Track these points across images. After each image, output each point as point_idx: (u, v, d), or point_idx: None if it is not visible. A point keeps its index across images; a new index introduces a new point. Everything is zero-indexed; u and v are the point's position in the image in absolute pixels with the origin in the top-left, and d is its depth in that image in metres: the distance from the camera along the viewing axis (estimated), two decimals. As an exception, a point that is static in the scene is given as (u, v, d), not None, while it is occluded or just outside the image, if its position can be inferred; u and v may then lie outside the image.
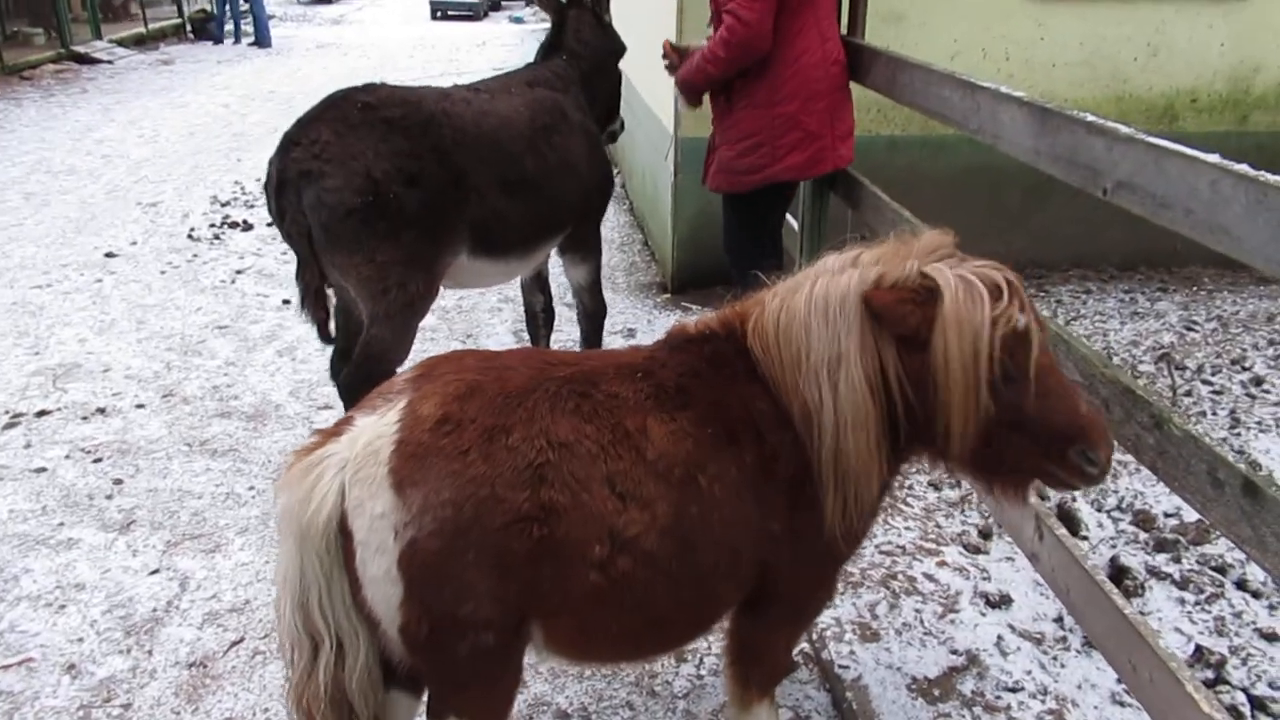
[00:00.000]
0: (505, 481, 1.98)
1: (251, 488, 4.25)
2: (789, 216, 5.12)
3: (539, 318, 4.95)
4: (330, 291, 3.85)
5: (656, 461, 2.11)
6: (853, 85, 4.28)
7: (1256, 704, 3.03)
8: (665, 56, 4.71)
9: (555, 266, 4.81)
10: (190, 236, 7.60)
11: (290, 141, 3.61)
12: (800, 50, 4.02)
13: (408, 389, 2.14)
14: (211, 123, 11.94)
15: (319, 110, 3.70)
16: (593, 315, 4.79)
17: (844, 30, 4.40)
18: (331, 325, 3.97)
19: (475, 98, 4.04)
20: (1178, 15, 6.21)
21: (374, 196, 3.53)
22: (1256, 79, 6.42)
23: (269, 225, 7.19)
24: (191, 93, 14.01)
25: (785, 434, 2.23)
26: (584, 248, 4.55)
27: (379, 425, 2.05)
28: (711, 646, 3.29)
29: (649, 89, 7.02)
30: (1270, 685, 3.11)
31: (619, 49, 4.82)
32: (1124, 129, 2.38)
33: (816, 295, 2.18)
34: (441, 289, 4.01)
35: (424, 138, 3.67)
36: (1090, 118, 2.52)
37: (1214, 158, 2.04)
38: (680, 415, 2.17)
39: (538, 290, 4.89)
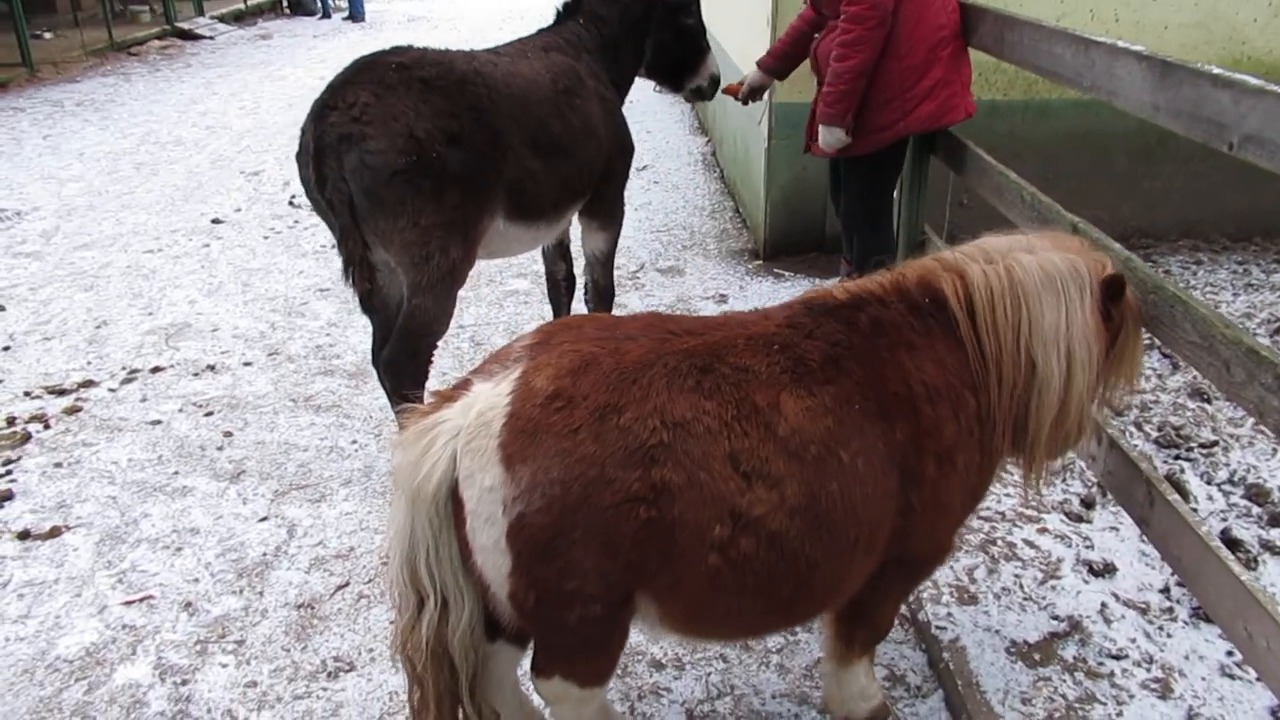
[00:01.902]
0: (615, 461, 1.96)
1: (354, 442, 4.38)
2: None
3: (560, 286, 4.91)
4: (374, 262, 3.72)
5: (789, 438, 2.06)
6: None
7: (1377, 682, 2.91)
8: (732, 93, 4.84)
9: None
10: (291, 204, 7.81)
11: (325, 106, 3.52)
12: (921, 3, 4.08)
13: (524, 357, 2.14)
14: (309, 95, 12.05)
15: (351, 74, 3.61)
16: (603, 292, 4.74)
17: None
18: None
19: (499, 60, 3.99)
20: (1302, -28, 5.91)
21: (417, 156, 3.46)
22: (1388, 40, 6.07)
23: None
24: (289, 66, 14.34)
25: (948, 404, 2.25)
26: (605, 215, 4.49)
27: (493, 395, 2.06)
28: (805, 606, 3.29)
29: (740, 51, 6.96)
30: (1392, 664, 2.98)
31: (672, 1, 4.60)
32: (1253, 80, 2.28)
33: (1035, 270, 2.31)
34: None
35: (461, 97, 3.61)
36: (1216, 70, 2.42)
37: (1355, 104, 1.95)
38: (822, 390, 2.14)
39: (559, 258, 4.84)
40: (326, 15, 19.91)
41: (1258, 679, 2.92)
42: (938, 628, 3.10)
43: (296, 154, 3.69)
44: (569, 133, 4.01)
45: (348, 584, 3.46)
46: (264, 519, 3.84)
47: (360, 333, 5.48)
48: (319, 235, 7.00)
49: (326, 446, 4.35)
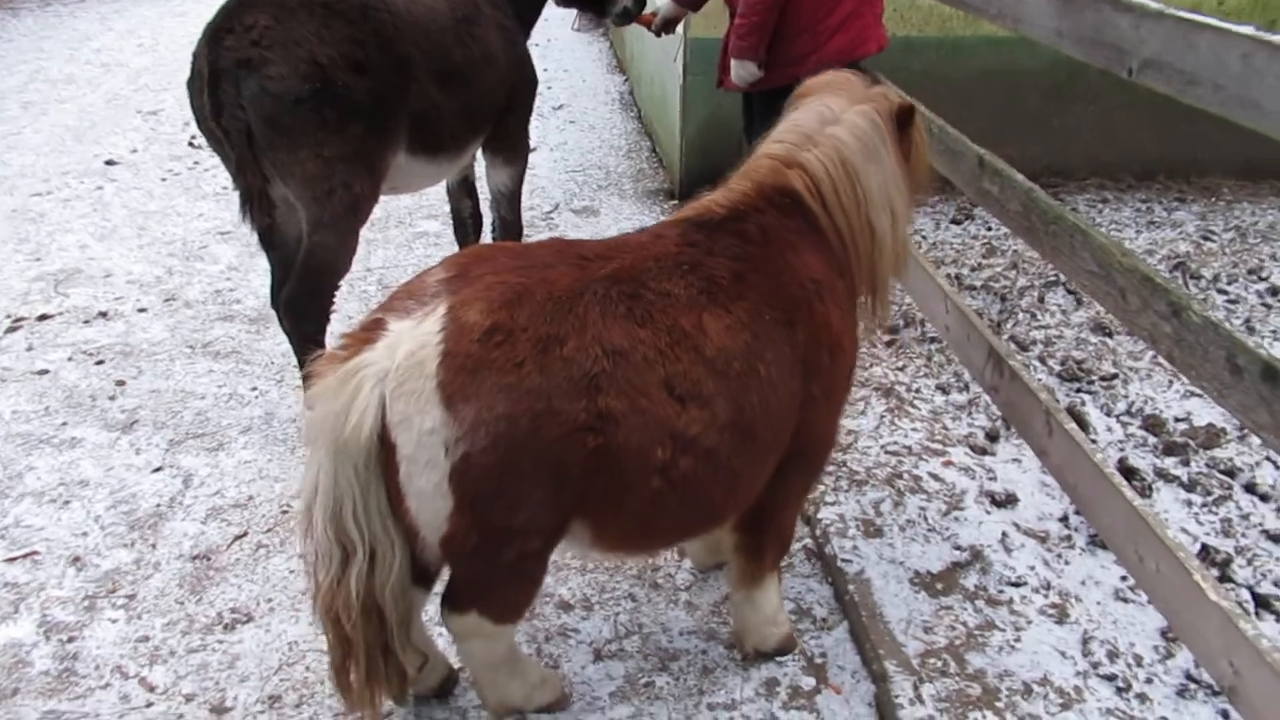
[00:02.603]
0: (561, 393, 1.96)
1: (254, 388, 4.23)
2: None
3: (467, 224, 4.80)
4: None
5: (716, 358, 2.14)
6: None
7: (1260, 602, 3.02)
8: (645, 24, 4.70)
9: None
10: (191, 144, 7.47)
11: (220, 30, 3.30)
12: None
13: (443, 291, 2.06)
14: (211, 31, 11.67)
15: None
16: (510, 229, 4.63)
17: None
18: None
19: None
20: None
21: (321, 84, 3.29)
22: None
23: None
24: (191, 1, 13.69)
25: (830, 294, 2.39)
26: (508, 148, 4.37)
27: (419, 333, 1.97)
28: (715, 544, 3.29)
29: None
30: (1275, 584, 3.10)
31: None
32: (1153, 4, 2.27)
33: (853, 141, 2.43)
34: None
35: (365, 23, 3.45)
36: (1116, -7, 2.40)
37: (1248, 28, 1.95)
38: (736, 307, 2.21)
39: (465, 195, 4.73)
40: None
41: (1149, 602, 3.01)
42: (844, 560, 3.12)
43: (188, 80, 3.47)
44: (469, 62, 3.87)
45: (246, 534, 3.35)
46: (158, 469, 3.69)
47: (263, 276, 5.25)
48: (220, 176, 6.70)
49: (225, 394, 4.19)
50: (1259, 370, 1.96)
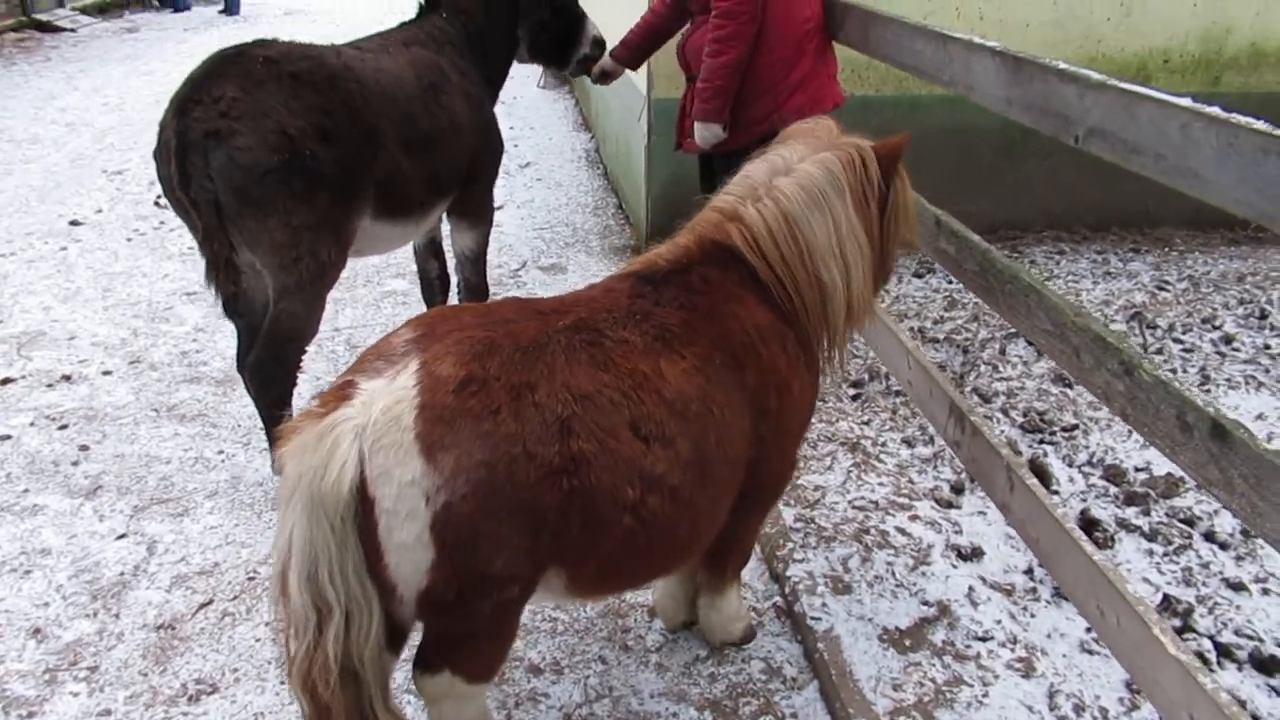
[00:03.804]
0: (535, 437, 2.01)
1: (221, 452, 4.20)
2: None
3: (434, 285, 4.83)
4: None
5: (675, 400, 2.23)
6: (825, 45, 4.30)
7: (1223, 651, 3.06)
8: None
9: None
10: (156, 204, 7.46)
11: (188, 100, 3.32)
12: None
13: (412, 350, 2.08)
14: (178, 90, 11.71)
15: (215, 66, 3.43)
16: (475, 290, 4.66)
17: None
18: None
19: (364, 55, 3.86)
20: (1151, -27, 6.19)
21: (290, 155, 3.32)
22: (1229, 40, 6.41)
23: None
24: (158, 60, 13.74)
25: (777, 341, 2.48)
26: (473, 213, 4.41)
27: (394, 389, 1.99)
28: (685, 603, 3.29)
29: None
30: (1236, 633, 3.14)
31: None
32: (1096, 75, 2.36)
33: (796, 192, 2.50)
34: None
35: (333, 92, 3.49)
36: (1062, 65, 2.50)
37: (1185, 101, 2.04)
38: (689, 352, 2.32)
39: (431, 257, 4.77)
40: (181, 9, 19.01)
41: (1112, 654, 3.04)
42: (813, 619, 3.13)
43: (155, 151, 3.49)
44: (436, 129, 3.92)
45: (211, 601, 3.31)
46: (122, 536, 3.64)
47: (229, 337, 5.25)
48: (185, 237, 6.69)
49: (191, 458, 4.16)
50: (1208, 428, 2.01)
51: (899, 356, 3.66)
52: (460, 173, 4.14)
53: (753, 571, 3.42)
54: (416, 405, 1.97)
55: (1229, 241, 6.69)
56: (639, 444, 2.15)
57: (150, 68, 13.17)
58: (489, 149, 4.32)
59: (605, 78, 5.03)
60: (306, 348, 3.72)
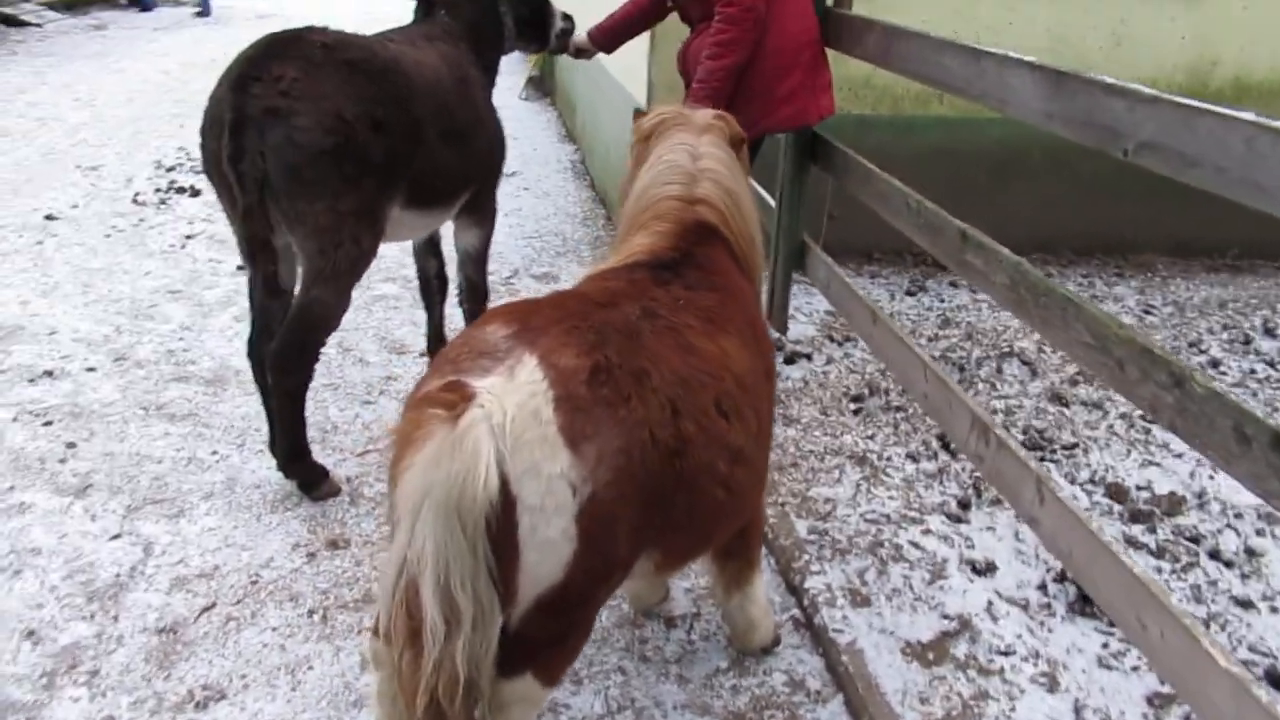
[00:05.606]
0: (656, 421, 2.08)
1: (214, 452, 4.09)
2: (765, 193, 5.11)
3: (433, 284, 4.78)
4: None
5: (741, 375, 2.37)
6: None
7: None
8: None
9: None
10: (135, 201, 7.30)
11: (247, 77, 3.29)
12: (788, 7, 4.26)
13: (516, 344, 2.01)
14: (152, 89, 11.50)
15: (273, 47, 3.40)
16: (478, 290, 4.60)
17: (830, 2, 4.46)
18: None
19: (403, 48, 3.87)
20: (1142, 6, 6.31)
21: (345, 139, 3.33)
22: (1214, 72, 6.55)
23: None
24: (129, 59, 13.49)
25: (755, 299, 2.77)
26: (481, 209, 4.39)
27: (521, 385, 1.91)
28: (701, 612, 3.25)
29: (612, 59, 6.92)
30: (1250, 649, 3.16)
31: None
32: (1147, 90, 2.38)
33: (724, 171, 2.73)
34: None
35: (385, 84, 3.51)
36: (1108, 79, 2.52)
37: (1249, 114, 2.05)
38: (730, 328, 2.45)
39: (430, 255, 4.73)
40: (147, 8, 18.69)
41: (1134, 669, 3.05)
42: (835, 631, 3.10)
43: (203, 126, 3.44)
44: (468, 122, 3.95)
45: (214, 605, 3.20)
46: (116, 536, 3.52)
47: (217, 337, 5.15)
48: (166, 234, 6.56)
49: (184, 458, 4.04)
50: (1268, 440, 2.02)
51: (914, 369, 3.66)
52: (484, 165, 4.16)
53: (769, 584, 3.38)
54: (552, 398, 1.92)
55: (1209, 268, 6.82)
56: (722, 420, 2.26)
57: (121, 65, 12.94)
58: (500, 144, 4.32)
59: (581, 53, 5.05)
60: (327, 339, 3.65)
